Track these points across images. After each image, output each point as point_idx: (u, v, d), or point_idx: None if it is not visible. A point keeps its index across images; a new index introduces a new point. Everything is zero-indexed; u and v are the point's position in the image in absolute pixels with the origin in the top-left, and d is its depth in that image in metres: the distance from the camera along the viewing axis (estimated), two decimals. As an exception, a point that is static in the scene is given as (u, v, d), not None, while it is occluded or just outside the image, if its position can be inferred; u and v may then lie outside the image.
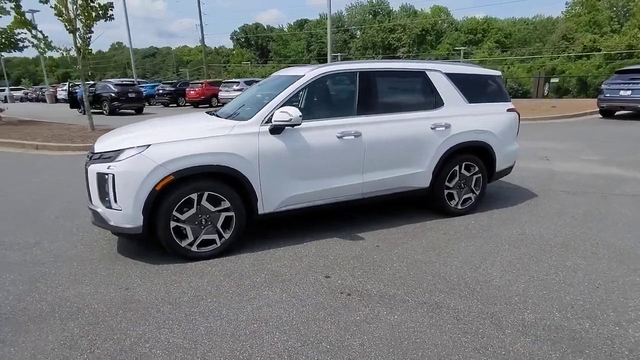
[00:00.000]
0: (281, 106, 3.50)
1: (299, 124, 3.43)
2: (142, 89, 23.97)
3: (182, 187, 3.23)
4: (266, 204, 3.54)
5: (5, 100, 36.78)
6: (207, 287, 2.98)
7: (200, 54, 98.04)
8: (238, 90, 20.95)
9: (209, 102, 22.46)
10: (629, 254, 3.45)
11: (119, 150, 3.20)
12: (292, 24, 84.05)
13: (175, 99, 24.31)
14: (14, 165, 7.91)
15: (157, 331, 2.45)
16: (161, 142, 3.23)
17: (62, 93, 30.96)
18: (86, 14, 9.40)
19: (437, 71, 4.27)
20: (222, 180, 3.36)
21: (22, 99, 37.96)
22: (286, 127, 3.50)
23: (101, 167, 3.19)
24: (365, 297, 2.83)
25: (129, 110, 19.57)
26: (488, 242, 3.73)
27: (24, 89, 43.80)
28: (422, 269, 3.24)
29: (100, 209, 3.26)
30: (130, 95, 18.70)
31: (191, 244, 3.36)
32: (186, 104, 23.79)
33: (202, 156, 3.24)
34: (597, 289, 2.90)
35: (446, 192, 4.35)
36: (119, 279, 3.10)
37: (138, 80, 28.20)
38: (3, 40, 12.54)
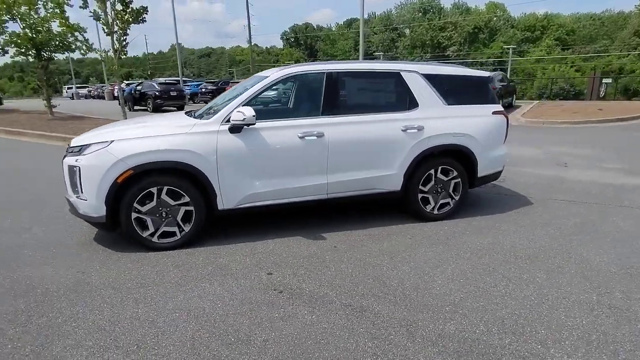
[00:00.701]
0: (241, 106, 3.61)
1: (253, 124, 3.52)
2: (186, 88, 25.24)
3: (143, 181, 3.44)
4: (226, 201, 3.66)
5: (72, 97, 40.26)
6: (154, 276, 3.16)
7: (252, 54, 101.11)
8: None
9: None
10: (600, 271, 3.19)
11: (86, 145, 3.47)
12: (341, 23, 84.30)
13: (216, 96, 25.24)
14: (54, 157, 8.70)
15: (89, 312, 2.66)
16: (123, 138, 3.46)
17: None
18: (120, 18, 10.08)
19: (414, 72, 4.17)
20: (181, 176, 3.53)
21: (86, 96, 41.25)
22: (245, 127, 3.60)
23: (71, 160, 3.48)
24: (294, 296, 2.86)
25: (172, 108, 20.68)
26: (450, 250, 3.61)
27: (88, 87, 47.56)
28: (367, 272, 3.21)
29: (72, 198, 3.56)
30: (172, 93, 19.79)
31: (152, 235, 3.57)
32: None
33: (160, 152, 3.43)
34: (541, 305, 2.73)
35: (420, 196, 4.24)
36: (82, 263, 3.37)
37: (185, 79, 29.69)
38: (58, 43, 13.76)
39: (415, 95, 4.14)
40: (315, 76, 3.96)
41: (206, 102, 24.70)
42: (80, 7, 9.89)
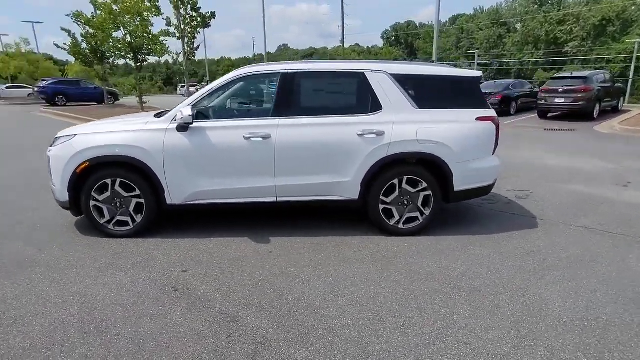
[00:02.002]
0: (186, 106, 3.71)
1: (190, 123, 3.60)
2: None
3: (99, 172, 3.76)
4: (173, 196, 3.81)
5: (184, 95, 45.40)
6: (87, 260, 3.43)
7: (353, 54, 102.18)
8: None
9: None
10: (545, 319, 2.58)
11: (57, 137, 3.91)
12: (444, 20, 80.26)
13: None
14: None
15: (8, 285, 3.01)
16: (85, 133, 3.82)
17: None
18: (188, 23, 11.05)
19: (381, 72, 3.82)
20: (132, 170, 3.76)
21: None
22: (192, 126, 3.70)
23: (48, 151, 3.96)
24: (184, 296, 2.87)
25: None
26: (386, 270, 3.24)
27: (197, 86, 53.12)
28: (275, 282, 3.07)
29: (50, 184, 4.05)
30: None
31: (108, 222, 3.88)
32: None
33: (112, 147, 3.71)
34: (427, 347, 2.31)
35: (382, 207, 3.88)
36: (47, 243, 3.79)
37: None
38: (157, 48, 15.60)
39: (379, 98, 3.79)
40: (270, 77, 3.88)
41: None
42: (155, 15, 11.11)
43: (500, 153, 4.21)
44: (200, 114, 3.83)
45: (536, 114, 14.95)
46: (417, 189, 3.85)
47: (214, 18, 11.87)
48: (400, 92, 3.80)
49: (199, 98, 3.80)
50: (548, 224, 4.23)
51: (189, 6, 11.18)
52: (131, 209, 3.85)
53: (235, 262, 3.41)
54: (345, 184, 3.80)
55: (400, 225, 3.92)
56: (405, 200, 3.88)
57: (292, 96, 3.81)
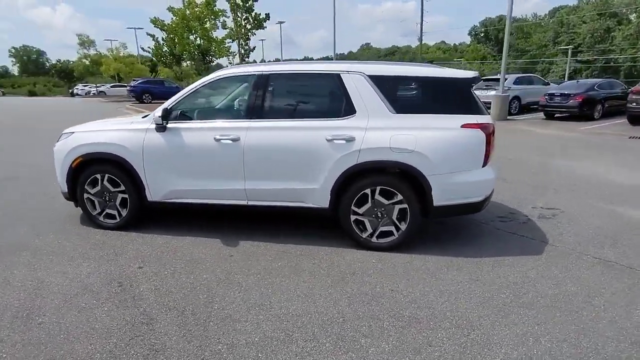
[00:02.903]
0: (163, 107, 3.82)
1: (160, 124, 3.71)
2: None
3: (90, 167, 4.05)
4: (152, 193, 3.96)
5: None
6: (68, 248, 3.70)
7: (437, 51, 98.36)
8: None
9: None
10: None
11: (62, 134, 4.29)
12: (541, 13, 73.23)
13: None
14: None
15: (-10, 265, 3.38)
16: (81, 131, 4.14)
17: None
18: (241, 26, 11.50)
19: (358, 73, 3.56)
20: (117, 167, 3.99)
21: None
22: (169, 126, 3.81)
23: (54, 146, 4.35)
24: (121, 292, 2.95)
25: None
26: (331, 287, 3.02)
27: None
28: (214, 288, 3.02)
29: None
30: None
31: (99, 214, 4.17)
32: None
33: (100, 145, 3.97)
34: (318, 380, 2.09)
35: (354, 218, 3.62)
36: (49, 230, 4.15)
37: None
38: (221, 49, 16.56)
39: (353, 101, 3.53)
40: (245, 78, 3.83)
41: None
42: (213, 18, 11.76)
43: (557, 163, 3.69)
44: (181, 115, 3.92)
45: (626, 119, 12.91)
46: (391, 201, 3.52)
47: (268, 19, 12.21)
48: (377, 95, 3.50)
49: (179, 99, 3.90)
50: (557, 252, 3.59)
51: (244, 10, 11.62)
52: (117, 203, 4.09)
53: (191, 263, 3.44)
54: (315, 192, 3.62)
55: (373, 239, 3.63)
56: (379, 213, 3.58)
57: (264, 98, 3.72)
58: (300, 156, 3.58)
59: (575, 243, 3.77)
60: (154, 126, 3.85)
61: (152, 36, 18.88)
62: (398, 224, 3.57)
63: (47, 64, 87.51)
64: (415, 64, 3.97)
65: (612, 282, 3.05)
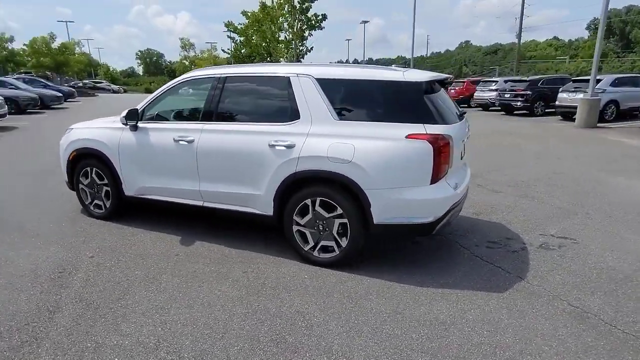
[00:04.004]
0: (141, 107, 4.03)
1: (124, 124, 3.91)
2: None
3: (83, 161, 4.45)
4: (127, 188, 4.21)
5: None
6: (55, 235, 4.10)
7: (548, 48, 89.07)
8: (494, 90, 18.89)
9: (467, 102, 21.32)
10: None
11: (66, 129, 4.76)
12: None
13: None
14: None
15: (-15, 242, 3.90)
16: (78, 127, 4.55)
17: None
18: (294, 27, 11.65)
19: (307, 76, 3.34)
20: (100, 161, 4.31)
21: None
22: (140, 126, 4.01)
23: (60, 140, 4.84)
24: (57, 279, 3.17)
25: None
26: (233, 300, 2.89)
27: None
28: (127, 286, 3.08)
29: (67, 167, 4.97)
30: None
31: (90, 204, 4.56)
32: (448, 103, 23.50)
33: (87, 141, 4.33)
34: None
35: (295, 228, 3.43)
36: (37, 214, 4.61)
37: None
38: (286, 50, 17.03)
39: (298, 105, 3.33)
40: (206, 80, 3.84)
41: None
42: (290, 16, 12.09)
43: (617, 182, 3.19)
44: (153, 116, 4.10)
45: None
46: (332, 214, 3.26)
47: (325, 20, 12.18)
48: (322, 99, 3.25)
49: (151, 100, 4.07)
50: (527, 292, 2.98)
51: (300, 11, 11.76)
52: (103, 195, 4.43)
53: (136, 257, 3.58)
54: (259, 198, 3.50)
55: (315, 253, 3.39)
56: (320, 225, 3.33)
57: (219, 101, 3.70)
58: (245, 161, 3.50)
59: (560, 284, 3.09)
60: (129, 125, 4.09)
61: (232, 39, 20.15)
62: (339, 239, 3.28)
63: (164, 65, 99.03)
64: (368, 66, 3.58)
65: (567, 339, 2.43)
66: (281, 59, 13.72)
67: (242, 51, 20.14)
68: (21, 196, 5.35)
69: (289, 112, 3.38)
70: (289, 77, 3.41)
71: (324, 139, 3.18)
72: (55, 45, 39.80)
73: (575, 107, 13.21)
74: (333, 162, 3.11)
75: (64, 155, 4.54)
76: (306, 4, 12.01)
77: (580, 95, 13.35)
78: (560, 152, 8.60)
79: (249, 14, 16.97)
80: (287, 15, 14.70)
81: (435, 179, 2.99)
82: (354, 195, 3.11)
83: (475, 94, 20.23)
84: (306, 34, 12.73)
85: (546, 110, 16.59)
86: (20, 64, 40.23)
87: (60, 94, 21.13)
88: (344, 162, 3.07)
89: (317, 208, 3.29)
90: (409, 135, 2.97)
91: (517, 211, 4.77)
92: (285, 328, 2.56)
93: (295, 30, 12.32)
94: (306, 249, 3.42)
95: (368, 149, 3.04)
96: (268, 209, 3.50)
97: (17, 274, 3.24)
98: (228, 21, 16.77)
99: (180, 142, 3.76)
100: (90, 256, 3.60)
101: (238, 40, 19.82)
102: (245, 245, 3.79)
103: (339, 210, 3.21)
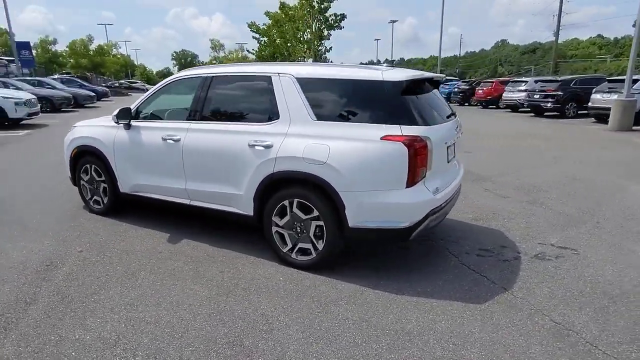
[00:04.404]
0: (135, 106, 4.11)
1: (116, 122, 3.99)
2: (445, 88, 25.17)
3: (83, 158, 4.60)
4: (122, 185, 4.31)
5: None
6: (52, 229, 4.27)
7: (592, 46, 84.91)
8: (523, 90, 18.16)
9: (495, 102, 20.62)
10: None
11: (71, 127, 4.93)
12: None
13: (467, 97, 23.72)
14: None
15: (-12, 233, 4.09)
16: (80, 125, 4.70)
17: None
18: (310, 27, 11.62)
19: (287, 75, 3.30)
20: (98, 159, 4.43)
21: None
22: (133, 124, 4.10)
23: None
24: (42, 271, 3.28)
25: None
26: (201, 300, 2.88)
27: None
28: (103, 282, 3.13)
29: (72, 164, 5.15)
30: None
31: (90, 199, 4.70)
32: (474, 104, 22.80)
33: (86, 138, 4.46)
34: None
35: (274, 229, 3.39)
36: (43, 209, 4.80)
37: (448, 78, 29.01)
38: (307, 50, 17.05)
39: (278, 105, 3.29)
40: (195, 80, 3.85)
41: (459, 103, 23.58)
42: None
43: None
44: (146, 114, 4.17)
45: None
46: (309, 216, 3.19)
47: (344, 19, 12.08)
48: (301, 99, 3.20)
49: (145, 99, 4.15)
50: (507, 305, 2.80)
51: (318, 11, 11.72)
52: (101, 191, 4.56)
53: (122, 254, 3.64)
54: (241, 197, 3.49)
55: (293, 255, 3.34)
56: (298, 227, 3.28)
57: (205, 100, 3.72)
58: (226, 160, 3.49)
59: (547, 297, 2.89)
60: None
61: (257, 39, 20.38)
62: (316, 242, 3.22)
63: (197, 65, 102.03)
64: (350, 65, 3.47)
65: (538, 358, 2.26)
66: (299, 59, 13.74)
67: (265, 51, 20.37)
68: (37, 188, 5.60)
69: (269, 112, 3.35)
70: (270, 77, 3.37)
71: (301, 139, 3.12)
72: (92, 47, 41.68)
73: (609, 109, 12.47)
74: (308, 163, 3.05)
75: (67, 152, 4.71)
76: (325, 4, 11.95)
77: (615, 96, 12.59)
78: (584, 156, 8.13)
79: (271, 14, 17.12)
80: (306, 16, 14.70)
81: (411, 182, 2.87)
82: (329, 197, 3.04)
83: (503, 94, 19.51)
84: (324, 33, 12.68)
85: (579, 112, 15.77)
86: (61, 64, 42.40)
87: (93, 94, 22.11)
88: (319, 164, 3.00)
89: (295, 209, 3.24)
90: (384, 136, 2.86)
91: (520, 218, 4.53)
92: (245, 331, 2.52)
93: (313, 30, 12.27)
94: (285, 250, 3.37)
95: (343, 150, 2.96)
96: (249, 209, 3.47)
97: (7, 266, 3.37)
98: (251, 22, 17.03)
99: (168, 140, 3.80)
100: (79, 250, 3.70)
101: (263, 41, 20.05)
102: (230, 245, 3.79)
103: (316, 213, 3.14)
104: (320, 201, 3.09)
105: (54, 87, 19.09)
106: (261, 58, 21.12)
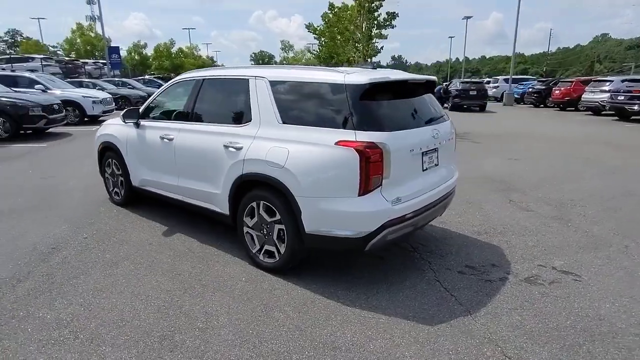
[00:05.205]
0: (144, 106, 4.43)
1: (123, 122, 4.31)
2: (519, 87, 23.42)
3: (106, 153, 5.06)
4: (133, 179, 4.67)
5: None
6: (69, 212, 4.77)
7: None
8: (606, 91, 16.18)
9: (574, 104, 18.60)
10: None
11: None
12: None
13: (543, 98, 21.66)
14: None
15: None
16: (107, 123, 5.17)
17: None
18: (358, 26, 11.48)
19: (262, 78, 3.32)
20: (116, 154, 4.84)
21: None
22: (141, 123, 4.41)
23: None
24: (45, 253, 3.68)
25: (475, 107, 20.05)
26: (162, 289, 3.02)
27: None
28: (94, 267, 3.42)
29: (105, 157, 5.67)
30: (471, 93, 19.13)
31: (111, 191, 5.15)
32: (551, 106, 20.76)
33: (108, 135, 4.89)
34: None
35: (245, 230, 3.44)
36: (77, 199, 5.42)
37: (515, 77, 26.77)
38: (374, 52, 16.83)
39: (251, 108, 3.32)
40: (190, 82, 4.03)
41: (533, 105, 21.86)
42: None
43: None
44: (153, 114, 4.47)
45: None
46: (272, 219, 3.19)
47: (395, 18, 11.72)
48: (271, 102, 3.20)
49: (151, 100, 4.45)
50: (460, 331, 2.54)
51: (367, 10, 11.52)
52: (119, 183, 4.99)
53: (118, 243, 3.93)
54: (219, 196, 3.59)
55: (261, 256, 3.36)
56: (264, 229, 3.29)
57: (195, 102, 3.88)
58: (206, 160, 3.62)
59: (513, 326, 2.57)
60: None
61: (318, 39, 20.61)
62: (279, 245, 3.20)
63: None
64: (316, 68, 3.33)
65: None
66: (350, 60, 13.59)
67: (322, 52, 20.51)
68: (88, 178, 6.17)
69: (244, 115, 3.41)
70: (248, 80, 3.42)
71: (266, 142, 3.13)
72: (174, 49, 45.38)
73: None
74: (270, 167, 3.05)
75: (96, 147, 5.21)
76: (375, 3, 11.69)
77: None
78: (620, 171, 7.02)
79: (325, 15, 17.17)
80: (355, 16, 14.44)
81: (364, 190, 2.72)
82: (287, 201, 3.01)
83: (583, 95, 17.53)
84: (373, 33, 12.40)
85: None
86: (148, 66, 46.80)
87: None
88: (278, 167, 2.98)
89: (261, 212, 3.25)
90: (338, 142, 2.76)
91: (531, 235, 4.07)
92: (181, 327, 2.60)
93: (362, 30, 12.08)
94: (254, 251, 3.41)
95: (300, 154, 2.91)
96: (225, 208, 3.56)
97: (21, 246, 3.83)
98: (309, 23, 17.25)
99: (165, 139, 4.04)
100: (84, 237, 4.08)
101: (323, 41, 20.22)
102: (215, 242, 3.91)
103: (277, 217, 3.13)
104: (281, 205, 3.07)
105: (133, 87, 21.14)
106: (320, 59, 21.33)
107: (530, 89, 22.88)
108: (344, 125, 2.80)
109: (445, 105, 21.18)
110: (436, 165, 3.31)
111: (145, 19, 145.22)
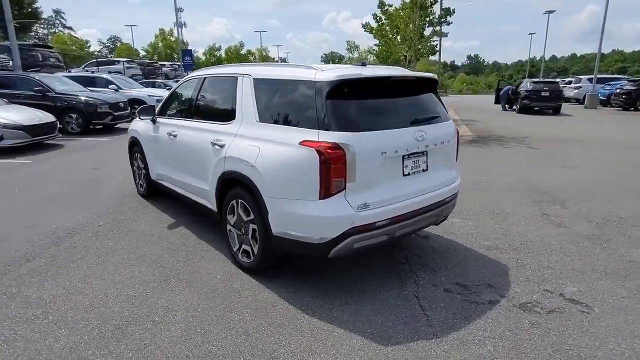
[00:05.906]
0: (161, 104, 4.65)
1: (139, 118, 4.53)
2: (604, 88, 21.02)
3: (133, 147, 5.40)
4: (151, 172, 4.92)
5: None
6: (93, 200, 5.16)
7: None
8: None
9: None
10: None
11: (134, 121, 5.79)
12: None
13: (634, 100, 19.05)
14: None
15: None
16: (135, 119, 5.51)
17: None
18: (407, 25, 11.04)
19: (248, 76, 3.29)
20: (139, 148, 5.14)
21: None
22: (157, 120, 4.64)
23: (134, 128, 5.91)
24: (57, 237, 4.02)
25: (547, 110, 18.29)
26: (140, 281, 3.11)
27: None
28: (89, 254, 3.65)
29: (139, 151, 6.06)
30: (543, 94, 17.42)
31: (137, 183, 5.48)
32: (641, 108, 18.22)
33: (134, 131, 5.20)
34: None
35: (228, 227, 3.43)
36: (107, 188, 5.85)
37: (602, 77, 23.68)
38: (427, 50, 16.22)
39: (236, 105, 3.31)
40: (195, 81, 4.13)
41: (622, 107, 19.55)
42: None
43: None
44: (175, 112, 4.66)
45: None
46: (248, 219, 3.15)
47: (450, 14, 11.06)
48: (252, 100, 3.16)
49: (167, 97, 4.65)
50: (412, 355, 2.28)
51: (419, 7, 11.01)
52: (142, 176, 5.29)
53: (123, 232, 4.15)
54: (208, 193, 3.63)
55: (240, 255, 3.34)
56: (243, 228, 3.26)
57: (196, 99, 3.97)
58: (197, 156, 3.69)
59: (477, 358, 2.25)
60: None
61: (379, 38, 20.28)
62: (253, 245, 3.15)
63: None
64: (295, 65, 3.15)
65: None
66: (401, 59, 13.11)
67: (379, 51, 20.08)
68: (126, 171, 6.75)
69: (230, 112, 3.40)
70: (236, 77, 3.42)
71: (244, 140, 3.10)
72: (243, 51, 47.66)
73: None
74: (244, 165, 3.01)
75: (128, 141, 5.59)
76: (429, 1, 11.12)
77: None
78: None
79: (378, 15, 16.76)
80: (408, 14, 13.82)
81: (325, 194, 2.56)
82: (257, 201, 2.94)
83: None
84: (425, 30, 11.80)
85: None
86: (222, 67, 49.74)
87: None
88: (250, 166, 2.94)
89: (239, 210, 3.23)
90: (301, 141, 2.63)
91: (552, 254, 3.56)
92: (139, 318, 2.66)
93: (413, 27, 11.54)
94: (234, 249, 3.39)
95: (268, 153, 2.83)
96: (214, 205, 3.60)
97: (43, 230, 4.21)
98: (365, 22, 16.96)
99: (170, 136, 4.20)
100: (99, 225, 4.38)
101: (382, 41, 19.84)
102: (211, 238, 3.97)
103: (251, 216, 3.08)
104: (254, 204, 3.01)
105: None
106: (379, 58, 20.94)
107: (618, 90, 20.26)
108: (311, 124, 2.67)
109: (514, 107, 19.63)
110: (424, 170, 3.02)
111: (226, 23, 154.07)
